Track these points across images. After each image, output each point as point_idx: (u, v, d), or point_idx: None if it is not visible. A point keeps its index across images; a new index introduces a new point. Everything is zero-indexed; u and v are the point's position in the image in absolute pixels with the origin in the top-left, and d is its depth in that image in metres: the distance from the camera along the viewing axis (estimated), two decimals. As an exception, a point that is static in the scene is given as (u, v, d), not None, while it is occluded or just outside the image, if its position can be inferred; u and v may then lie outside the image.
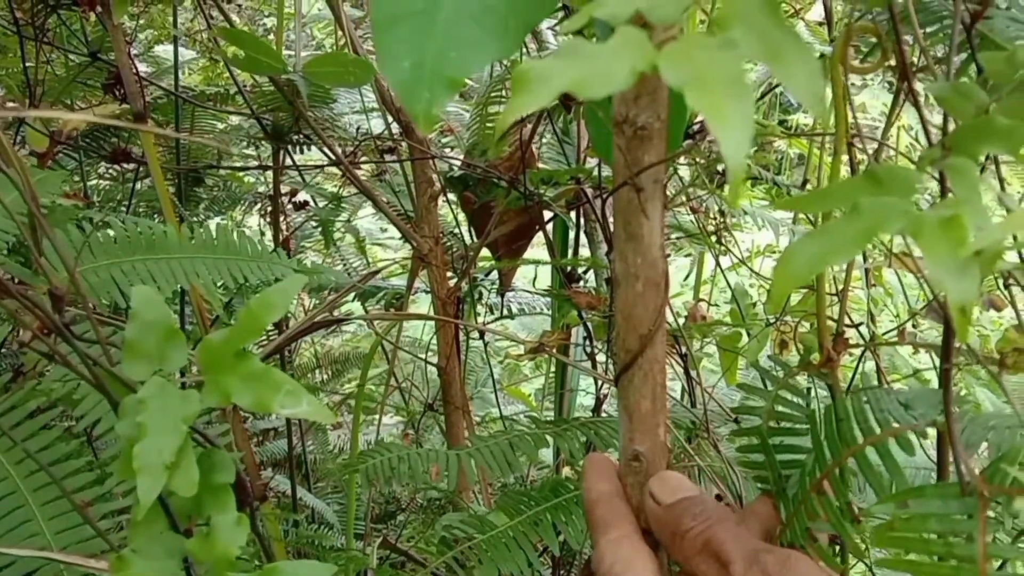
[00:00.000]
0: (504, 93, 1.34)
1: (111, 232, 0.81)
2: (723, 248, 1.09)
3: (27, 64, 1.10)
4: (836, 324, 0.59)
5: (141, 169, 1.31)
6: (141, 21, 1.78)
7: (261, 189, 1.79)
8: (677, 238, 1.19)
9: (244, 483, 0.56)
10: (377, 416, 1.87)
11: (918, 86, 0.48)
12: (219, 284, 0.86)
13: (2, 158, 0.56)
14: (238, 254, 0.90)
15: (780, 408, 0.61)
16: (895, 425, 0.46)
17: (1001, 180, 0.57)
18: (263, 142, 1.32)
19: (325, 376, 2.37)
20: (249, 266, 0.90)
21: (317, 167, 1.49)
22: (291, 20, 1.68)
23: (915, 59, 0.51)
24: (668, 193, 1.04)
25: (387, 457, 0.69)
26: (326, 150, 1.26)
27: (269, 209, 1.54)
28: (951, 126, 0.45)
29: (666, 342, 0.71)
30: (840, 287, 0.68)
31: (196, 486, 0.50)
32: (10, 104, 0.78)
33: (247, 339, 0.49)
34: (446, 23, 0.49)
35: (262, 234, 1.88)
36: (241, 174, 1.75)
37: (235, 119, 1.52)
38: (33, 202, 0.55)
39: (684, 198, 1.01)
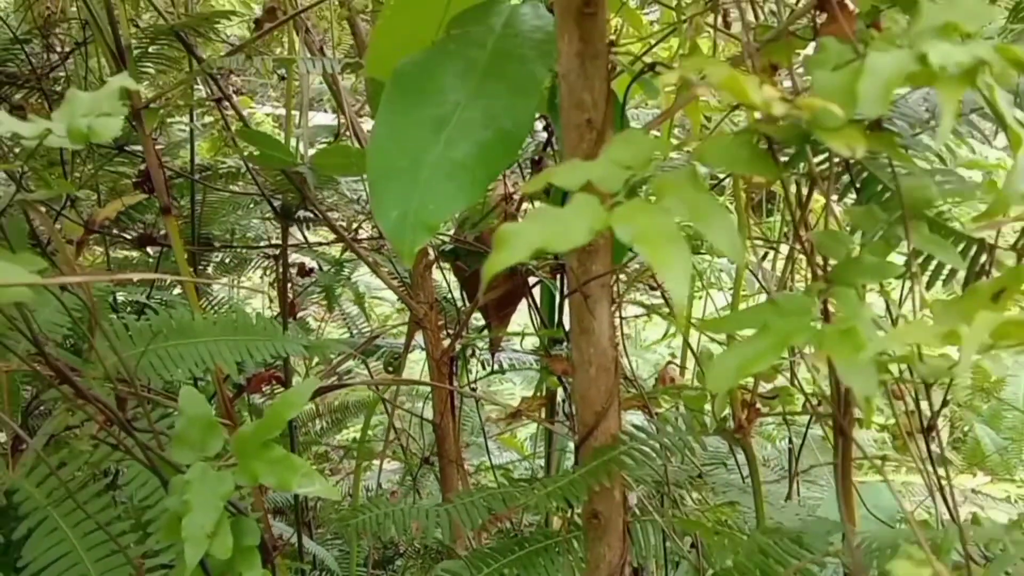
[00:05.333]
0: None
1: (148, 321, 0.94)
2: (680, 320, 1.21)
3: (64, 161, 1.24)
4: (751, 393, 0.72)
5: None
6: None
7: (268, 251, 1.93)
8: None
9: (266, 544, 0.68)
10: (378, 463, 1.98)
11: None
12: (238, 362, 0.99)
13: (63, 261, 0.69)
14: (254, 334, 1.03)
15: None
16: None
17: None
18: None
19: (325, 424, 2.48)
20: (264, 344, 1.03)
21: (322, 244, 1.62)
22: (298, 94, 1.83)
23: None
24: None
25: (376, 513, 0.82)
26: (331, 226, 1.40)
27: (276, 276, 1.68)
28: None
29: (639, 403, 0.84)
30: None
31: (231, 550, 0.62)
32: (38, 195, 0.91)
33: (272, 432, 0.62)
34: (426, 180, 0.64)
35: (269, 301, 2.01)
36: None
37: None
38: (90, 302, 0.68)
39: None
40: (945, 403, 0.71)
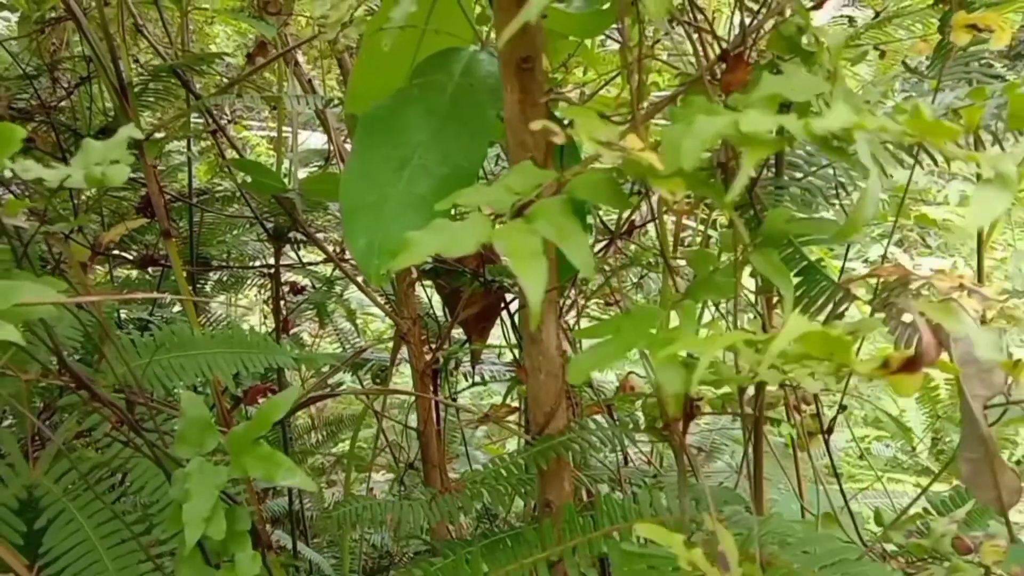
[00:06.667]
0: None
1: (152, 335, 1.05)
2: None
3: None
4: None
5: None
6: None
7: (262, 271, 2.03)
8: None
9: (257, 531, 0.78)
10: (368, 473, 2.07)
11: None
12: (235, 374, 1.09)
13: (78, 282, 0.79)
14: (249, 347, 1.13)
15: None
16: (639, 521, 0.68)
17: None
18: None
19: (320, 437, 2.57)
20: (259, 357, 1.13)
21: (313, 263, 1.72)
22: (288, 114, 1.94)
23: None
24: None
25: (355, 507, 0.92)
26: (320, 246, 1.50)
27: (269, 295, 1.78)
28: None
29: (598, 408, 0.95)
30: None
31: (224, 532, 0.72)
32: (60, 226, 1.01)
33: (260, 431, 0.72)
34: (390, 213, 0.74)
35: (264, 317, 2.11)
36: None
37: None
38: (101, 318, 0.78)
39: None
40: (842, 408, 0.81)
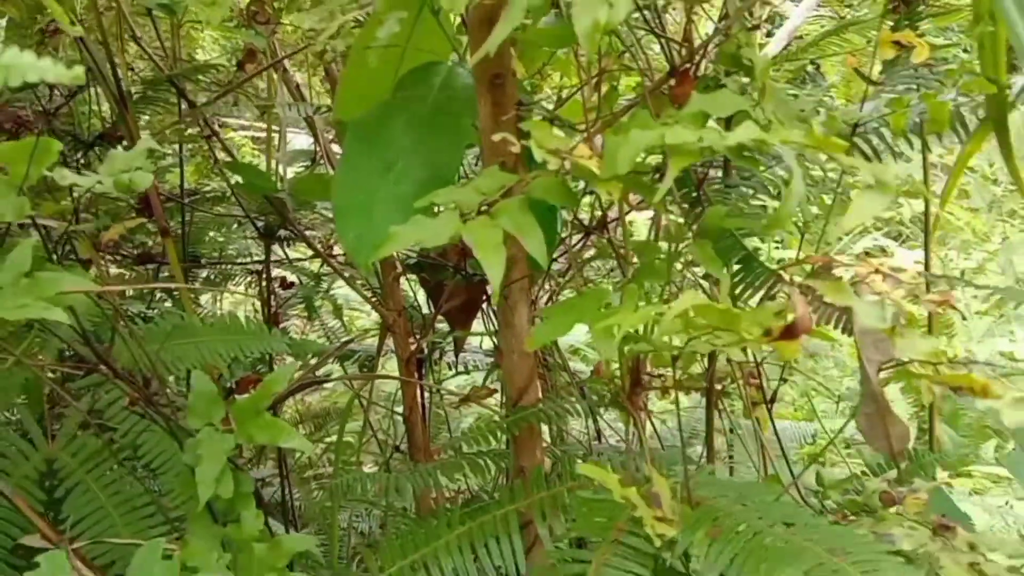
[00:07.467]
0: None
1: (156, 323, 1.14)
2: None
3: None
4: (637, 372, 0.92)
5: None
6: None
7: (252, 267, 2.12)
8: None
9: (259, 493, 0.88)
10: (356, 462, 2.17)
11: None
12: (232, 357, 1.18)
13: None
14: (244, 335, 1.23)
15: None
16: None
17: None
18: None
19: (307, 431, 2.66)
20: (253, 343, 1.23)
21: (301, 259, 1.82)
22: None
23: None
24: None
25: (346, 479, 1.01)
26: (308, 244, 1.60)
27: (260, 288, 1.87)
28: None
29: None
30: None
31: (232, 492, 0.82)
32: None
33: (262, 403, 0.81)
34: (377, 211, 0.84)
35: (255, 311, 2.20)
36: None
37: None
38: (115, 307, 0.88)
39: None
40: (783, 380, 0.91)
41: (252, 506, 0.85)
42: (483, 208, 0.63)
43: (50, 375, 1.01)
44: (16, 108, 1.54)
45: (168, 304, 1.92)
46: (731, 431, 1.61)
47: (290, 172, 1.99)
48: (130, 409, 0.88)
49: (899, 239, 3.92)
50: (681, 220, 0.84)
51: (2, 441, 1.00)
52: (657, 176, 0.63)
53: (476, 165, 1.71)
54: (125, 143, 1.36)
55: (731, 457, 1.65)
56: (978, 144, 0.76)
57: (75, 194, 0.85)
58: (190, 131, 1.78)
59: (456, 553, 0.80)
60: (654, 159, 0.75)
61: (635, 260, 0.85)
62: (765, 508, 0.67)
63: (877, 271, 0.76)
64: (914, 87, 1.11)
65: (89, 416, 1.02)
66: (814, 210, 1.22)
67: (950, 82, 0.84)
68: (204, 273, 2.11)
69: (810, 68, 1.57)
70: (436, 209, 0.90)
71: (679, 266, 0.86)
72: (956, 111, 0.85)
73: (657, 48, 0.94)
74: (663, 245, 0.74)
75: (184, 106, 1.48)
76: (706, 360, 0.98)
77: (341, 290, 2.54)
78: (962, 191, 3.67)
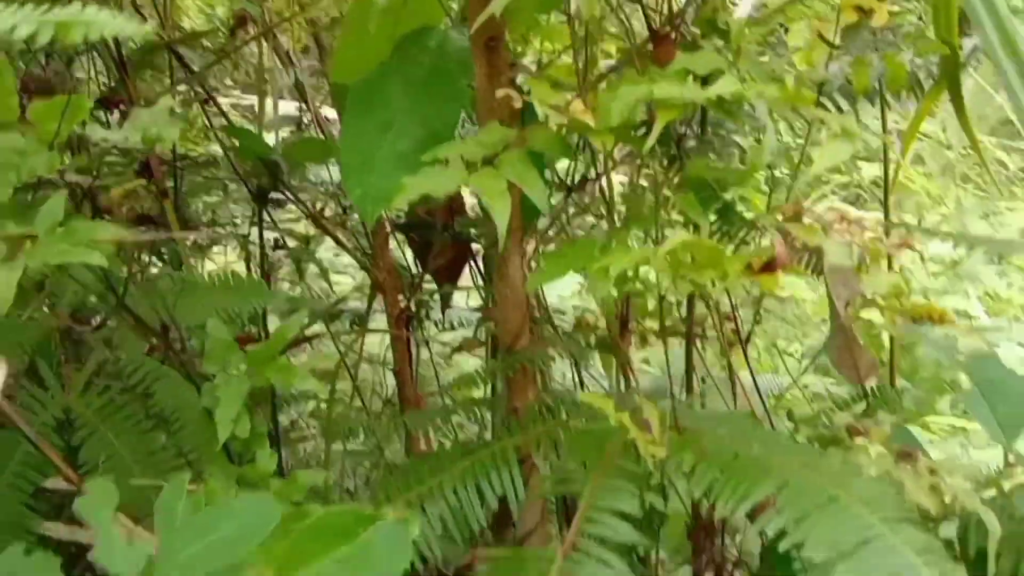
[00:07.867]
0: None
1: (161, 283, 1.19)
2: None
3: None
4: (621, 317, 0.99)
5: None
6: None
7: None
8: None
9: (273, 434, 0.94)
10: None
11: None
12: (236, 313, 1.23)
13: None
14: (246, 292, 1.28)
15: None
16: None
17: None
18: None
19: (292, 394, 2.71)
20: (254, 300, 1.28)
21: (292, 221, 1.87)
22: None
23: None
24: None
25: (351, 422, 1.07)
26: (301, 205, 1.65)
27: (247, 252, 1.92)
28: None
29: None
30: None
31: (248, 432, 0.88)
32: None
33: (277, 348, 0.87)
34: (378, 167, 0.90)
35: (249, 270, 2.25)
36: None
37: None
38: (130, 262, 0.93)
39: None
40: (757, 321, 0.98)
41: (267, 445, 0.91)
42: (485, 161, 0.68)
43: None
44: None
45: (158, 270, 1.97)
46: (703, 380, 1.70)
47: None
48: (150, 355, 0.94)
49: (857, 202, 4.02)
50: (662, 176, 0.90)
51: (21, 391, 1.05)
52: (644, 131, 0.69)
53: (463, 129, 1.76)
54: (123, 108, 1.40)
55: (703, 406, 1.73)
56: (932, 101, 0.83)
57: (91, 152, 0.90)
58: (180, 97, 1.82)
59: (460, 485, 0.86)
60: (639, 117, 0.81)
61: (622, 209, 0.91)
62: (743, 434, 0.73)
63: (843, 219, 0.83)
64: (873, 50, 1.18)
65: (103, 366, 1.07)
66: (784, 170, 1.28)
67: (906, 45, 0.90)
68: (193, 237, 2.15)
69: (779, 33, 1.63)
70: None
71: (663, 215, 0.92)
72: (913, 75, 0.92)
73: (640, 16, 1.00)
74: (649, 196, 0.80)
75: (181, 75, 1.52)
76: (685, 308, 1.05)
77: (325, 254, 2.60)
78: (917, 157, 3.76)
